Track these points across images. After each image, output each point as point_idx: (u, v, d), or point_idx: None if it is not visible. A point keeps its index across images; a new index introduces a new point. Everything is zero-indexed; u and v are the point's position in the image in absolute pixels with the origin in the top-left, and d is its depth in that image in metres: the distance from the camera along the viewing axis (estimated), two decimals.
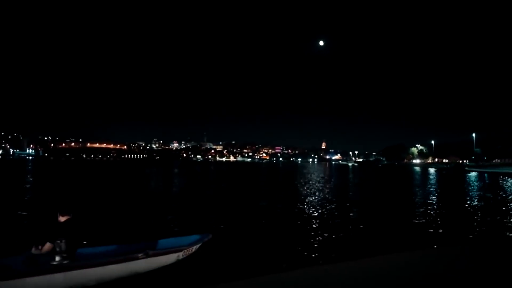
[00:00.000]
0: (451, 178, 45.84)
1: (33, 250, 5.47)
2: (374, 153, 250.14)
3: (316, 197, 19.35)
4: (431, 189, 26.31)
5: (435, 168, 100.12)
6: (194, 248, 6.18)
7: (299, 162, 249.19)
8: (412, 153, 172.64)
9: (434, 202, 17.78)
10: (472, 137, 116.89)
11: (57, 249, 5.22)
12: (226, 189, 25.31)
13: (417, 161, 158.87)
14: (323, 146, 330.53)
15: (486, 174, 55.96)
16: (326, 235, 9.55)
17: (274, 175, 51.65)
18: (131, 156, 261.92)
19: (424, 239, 9.31)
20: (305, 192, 22.27)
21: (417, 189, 26.84)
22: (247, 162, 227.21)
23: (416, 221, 11.99)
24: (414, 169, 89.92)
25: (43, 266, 5.04)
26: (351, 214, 13.46)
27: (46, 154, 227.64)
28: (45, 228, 5.70)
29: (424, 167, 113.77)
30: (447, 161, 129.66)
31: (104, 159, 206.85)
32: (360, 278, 5.45)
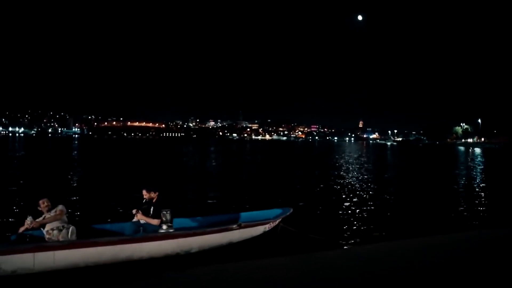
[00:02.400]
0: (500, 160, 43.48)
1: (136, 219, 6.25)
2: (414, 132, 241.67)
3: (354, 180, 19.46)
4: (476, 172, 25.24)
5: (481, 148, 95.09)
6: (278, 221, 6.75)
7: (335, 141, 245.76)
8: (456, 132, 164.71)
9: (477, 186, 17.11)
10: None
11: (163, 219, 5.91)
12: (266, 169, 25.91)
13: (465, 140, 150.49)
14: (360, 125, 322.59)
15: None
16: (362, 215, 9.78)
17: (310, 156, 51.69)
18: (169, 134, 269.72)
19: (461, 223, 9.20)
20: (344, 174, 22.41)
21: (460, 171, 25.78)
22: (283, 140, 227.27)
23: (456, 205, 11.65)
24: (458, 149, 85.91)
25: (153, 233, 5.73)
26: (387, 197, 13.20)
27: (90, 133, 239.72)
28: (143, 204, 6.36)
29: (469, 147, 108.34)
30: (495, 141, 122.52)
31: (144, 137, 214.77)
32: (397, 258, 5.52)
